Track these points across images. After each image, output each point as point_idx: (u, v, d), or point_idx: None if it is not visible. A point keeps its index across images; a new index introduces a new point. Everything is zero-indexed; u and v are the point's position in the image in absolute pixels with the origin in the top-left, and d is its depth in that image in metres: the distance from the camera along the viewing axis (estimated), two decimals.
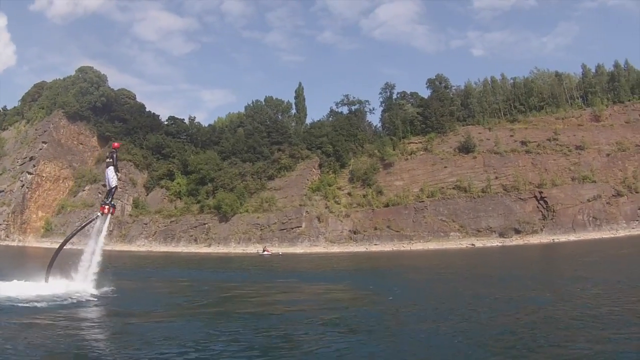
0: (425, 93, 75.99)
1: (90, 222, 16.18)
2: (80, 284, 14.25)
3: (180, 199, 74.91)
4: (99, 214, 15.40)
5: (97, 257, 14.74)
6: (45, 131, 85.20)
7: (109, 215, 15.35)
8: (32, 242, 75.12)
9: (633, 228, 58.43)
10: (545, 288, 16.20)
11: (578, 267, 23.66)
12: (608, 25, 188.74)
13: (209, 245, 68.35)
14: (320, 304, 12.06)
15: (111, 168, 14.97)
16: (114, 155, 15.29)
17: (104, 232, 15.23)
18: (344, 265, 33.31)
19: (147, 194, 79.18)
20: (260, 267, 29.54)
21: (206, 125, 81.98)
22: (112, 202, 15.45)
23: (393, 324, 9.84)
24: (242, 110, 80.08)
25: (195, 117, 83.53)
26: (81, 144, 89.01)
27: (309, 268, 29.54)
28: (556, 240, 56.51)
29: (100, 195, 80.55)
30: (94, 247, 14.79)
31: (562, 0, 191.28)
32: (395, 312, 11.38)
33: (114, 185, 15.00)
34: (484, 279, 20.97)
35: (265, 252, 54.46)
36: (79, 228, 16.69)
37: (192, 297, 14.19)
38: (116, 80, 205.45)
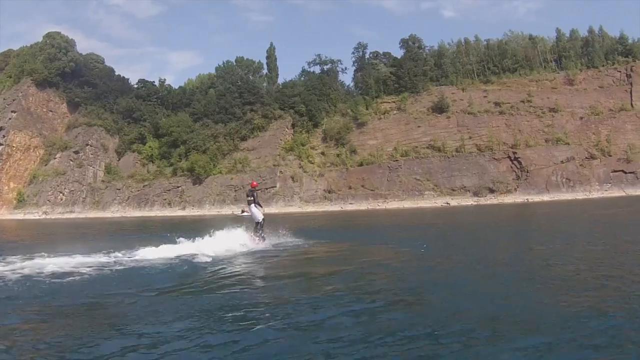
0: (398, 53, 75.81)
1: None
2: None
3: (153, 162, 73.90)
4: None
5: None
6: (14, 100, 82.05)
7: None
8: (6, 214, 73.30)
9: (606, 190, 59.96)
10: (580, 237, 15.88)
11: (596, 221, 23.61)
12: None
13: (184, 209, 67.96)
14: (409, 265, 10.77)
15: (252, 206, 15.72)
16: (254, 194, 16.04)
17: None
18: (335, 223, 31.86)
19: (119, 159, 77.80)
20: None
21: (176, 87, 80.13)
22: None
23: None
24: (212, 71, 78.78)
25: (165, 80, 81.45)
26: (51, 111, 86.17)
27: (310, 226, 28.15)
28: (530, 200, 57.62)
29: (71, 162, 79.24)
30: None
31: None
32: (464, 265, 10.51)
33: (258, 220, 15.58)
34: (491, 232, 20.71)
35: (245, 213, 54.14)
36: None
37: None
38: (83, 45, 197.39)
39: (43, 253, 11.69)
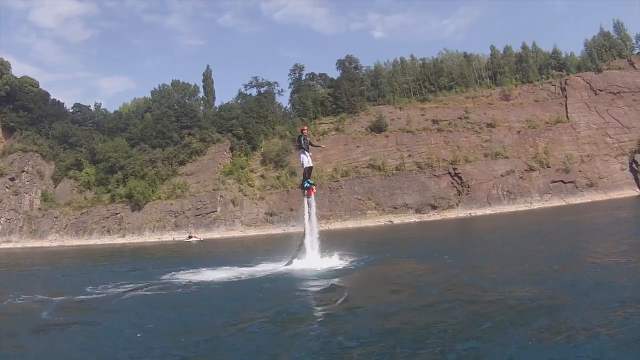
0: (334, 74, 75.99)
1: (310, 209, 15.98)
2: (326, 258, 15.08)
3: (90, 189, 71.35)
4: (306, 198, 15.73)
5: (316, 235, 15.44)
6: None
7: (312, 195, 15.81)
8: None
9: (546, 200, 61.22)
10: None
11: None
12: (509, 9, 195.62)
13: (123, 236, 65.84)
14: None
15: (301, 151, 15.32)
16: (302, 139, 15.39)
17: (314, 210, 15.77)
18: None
19: (56, 186, 74.81)
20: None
21: (111, 112, 77.69)
22: (310, 182, 15.80)
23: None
24: (145, 96, 76.77)
25: (101, 104, 78.71)
26: None
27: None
28: (473, 214, 58.11)
29: (7, 189, 75.74)
30: (311, 227, 15.39)
31: None
32: (504, 275, 10.87)
33: (307, 167, 15.31)
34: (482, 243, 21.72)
35: (193, 238, 52.79)
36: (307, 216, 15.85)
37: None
38: (15, 69, 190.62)
39: None
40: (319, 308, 8.43)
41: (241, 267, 15.25)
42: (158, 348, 6.33)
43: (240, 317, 8.02)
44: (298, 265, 14.49)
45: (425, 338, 6.05)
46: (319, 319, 7.52)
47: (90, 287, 12.51)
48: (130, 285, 12.50)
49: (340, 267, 13.87)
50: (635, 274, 9.53)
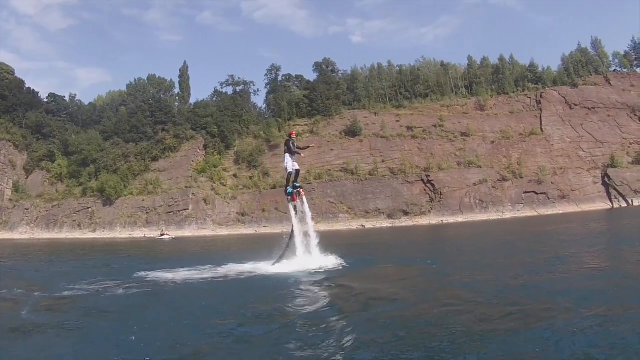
0: (311, 77, 75.87)
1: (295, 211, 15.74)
2: (322, 258, 14.90)
3: (62, 181, 70.59)
4: (291, 203, 15.47)
5: (314, 235, 15.21)
6: None
7: (303, 197, 15.54)
8: None
9: (518, 210, 61.70)
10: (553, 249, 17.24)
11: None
12: (489, 21, 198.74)
13: (94, 231, 65.21)
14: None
15: (288, 155, 15.14)
16: (291, 143, 15.21)
17: (309, 213, 15.48)
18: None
19: (27, 177, 73.83)
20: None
21: (86, 104, 76.84)
22: (297, 184, 15.68)
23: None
24: (121, 89, 76.10)
25: (76, 95, 78.01)
26: None
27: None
28: (445, 222, 58.46)
29: None
30: (307, 228, 15.23)
31: None
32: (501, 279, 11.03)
33: (289, 171, 15.15)
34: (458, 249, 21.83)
35: (166, 236, 52.39)
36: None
37: None
38: None
39: None
40: (321, 310, 8.30)
41: (223, 266, 15.02)
42: (153, 354, 5.97)
43: (234, 318, 7.86)
44: (287, 265, 14.32)
45: (432, 341, 6.15)
46: (324, 322, 7.39)
47: (66, 283, 12.13)
48: (109, 283, 12.04)
49: (331, 268, 13.75)
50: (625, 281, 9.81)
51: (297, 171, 15.42)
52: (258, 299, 9.41)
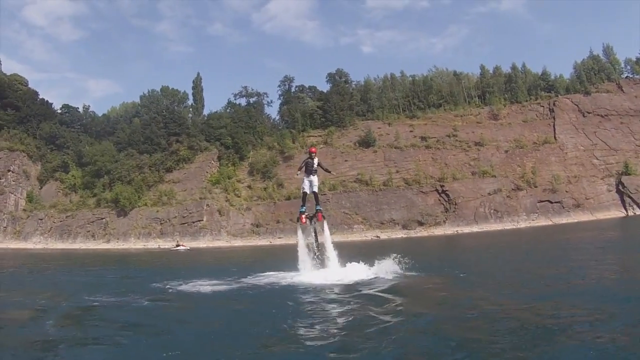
0: (323, 87, 75.96)
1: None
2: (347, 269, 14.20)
3: (76, 192, 70.75)
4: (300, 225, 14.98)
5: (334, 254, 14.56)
6: None
7: (324, 221, 14.81)
8: None
9: (533, 220, 61.53)
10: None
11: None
12: (498, 30, 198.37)
13: (108, 241, 65.35)
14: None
15: (306, 174, 14.47)
16: (308, 162, 14.44)
17: (329, 237, 14.80)
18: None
19: (41, 187, 74.11)
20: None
21: (100, 115, 77.19)
22: (318, 208, 14.81)
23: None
24: (132, 100, 76.47)
25: (89, 106, 78.46)
26: None
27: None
28: (459, 232, 58.34)
29: None
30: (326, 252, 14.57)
31: (455, 3, 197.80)
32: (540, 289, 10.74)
33: (305, 191, 14.47)
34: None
35: (181, 247, 52.56)
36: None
37: None
38: (3, 66, 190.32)
39: None
40: (376, 321, 7.89)
41: (249, 276, 14.52)
42: None
43: (281, 332, 7.28)
44: (314, 276, 13.60)
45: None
46: (373, 330, 7.17)
47: (89, 294, 11.67)
48: (133, 294, 11.53)
49: (362, 279, 13.04)
50: None
51: (315, 194, 14.65)
52: (290, 309, 9.06)
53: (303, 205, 14.75)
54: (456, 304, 9.34)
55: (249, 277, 14.55)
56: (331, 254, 14.53)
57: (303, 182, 14.57)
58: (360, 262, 14.52)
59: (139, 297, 11.00)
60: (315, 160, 14.47)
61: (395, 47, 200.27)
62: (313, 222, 14.94)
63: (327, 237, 14.79)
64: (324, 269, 14.23)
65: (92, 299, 11.03)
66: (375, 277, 13.11)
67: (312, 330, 7.30)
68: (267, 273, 15.16)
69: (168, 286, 13.07)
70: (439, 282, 12.56)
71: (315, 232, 14.90)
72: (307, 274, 13.87)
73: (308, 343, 6.56)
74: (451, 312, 8.55)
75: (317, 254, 14.63)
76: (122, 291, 12.37)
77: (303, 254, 14.65)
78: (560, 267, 14.58)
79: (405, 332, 7.04)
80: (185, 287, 12.78)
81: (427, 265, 16.01)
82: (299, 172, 14.84)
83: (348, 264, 14.37)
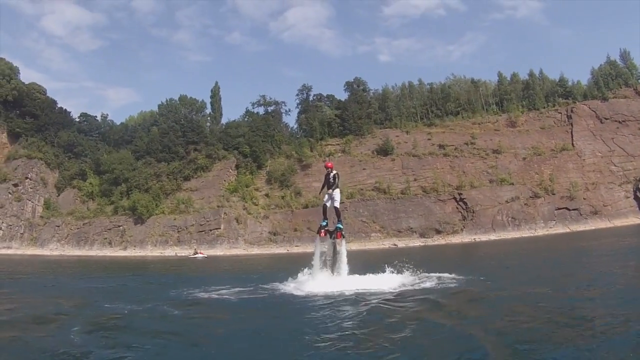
0: (341, 96, 75.98)
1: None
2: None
3: (93, 200, 71.22)
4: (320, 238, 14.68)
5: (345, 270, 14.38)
6: None
7: (343, 240, 14.51)
8: None
9: (551, 227, 61.13)
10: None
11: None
12: (515, 36, 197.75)
13: (125, 249, 65.66)
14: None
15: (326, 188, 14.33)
16: (328, 177, 14.28)
17: (344, 254, 14.44)
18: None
19: (59, 195, 74.69)
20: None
21: (118, 124, 77.71)
22: (340, 226, 14.54)
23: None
24: (150, 109, 76.88)
25: (108, 115, 79.04)
26: None
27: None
28: (477, 240, 58.09)
29: (10, 195, 75.58)
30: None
31: (471, 10, 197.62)
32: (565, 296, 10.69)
33: (325, 205, 14.27)
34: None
35: (199, 255, 52.68)
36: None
37: None
38: (22, 74, 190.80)
39: None
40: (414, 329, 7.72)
41: (271, 283, 14.25)
42: None
43: (323, 340, 7.00)
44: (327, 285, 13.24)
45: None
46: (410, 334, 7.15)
47: (112, 301, 11.42)
48: (158, 302, 11.20)
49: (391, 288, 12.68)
50: None
51: (337, 209, 14.39)
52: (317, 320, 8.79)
53: (325, 219, 14.52)
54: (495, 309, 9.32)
55: (271, 284, 14.34)
56: (343, 271, 14.40)
57: (325, 195, 14.59)
58: (378, 272, 14.61)
59: (163, 305, 10.72)
60: (332, 174, 14.27)
61: (413, 55, 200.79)
62: (332, 237, 14.67)
63: (343, 254, 14.55)
64: (335, 281, 13.86)
65: (117, 305, 10.80)
66: (387, 288, 12.77)
67: (363, 340, 7.05)
68: (286, 282, 14.74)
69: (191, 293, 12.86)
70: (467, 288, 12.34)
71: (333, 248, 14.67)
72: (320, 284, 13.53)
73: (349, 352, 6.38)
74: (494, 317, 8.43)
75: (330, 268, 14.51)
76: (146, 298, 12.08)
77: (317, 265, 14.54)
78: (582, 272, 14.57)
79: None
80: (209, 295, 12.50)
81: (451, 273, 15.85)
82: (320, 193, 14.99)
83: (364, 275, 14.29)
